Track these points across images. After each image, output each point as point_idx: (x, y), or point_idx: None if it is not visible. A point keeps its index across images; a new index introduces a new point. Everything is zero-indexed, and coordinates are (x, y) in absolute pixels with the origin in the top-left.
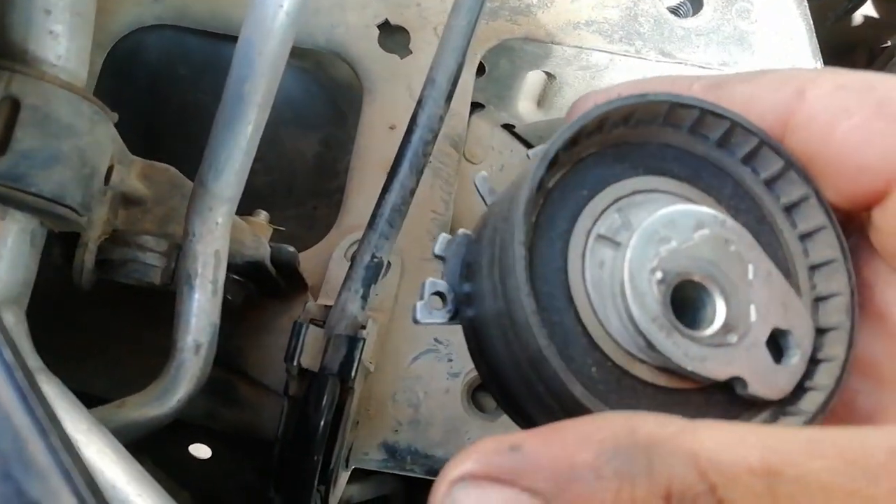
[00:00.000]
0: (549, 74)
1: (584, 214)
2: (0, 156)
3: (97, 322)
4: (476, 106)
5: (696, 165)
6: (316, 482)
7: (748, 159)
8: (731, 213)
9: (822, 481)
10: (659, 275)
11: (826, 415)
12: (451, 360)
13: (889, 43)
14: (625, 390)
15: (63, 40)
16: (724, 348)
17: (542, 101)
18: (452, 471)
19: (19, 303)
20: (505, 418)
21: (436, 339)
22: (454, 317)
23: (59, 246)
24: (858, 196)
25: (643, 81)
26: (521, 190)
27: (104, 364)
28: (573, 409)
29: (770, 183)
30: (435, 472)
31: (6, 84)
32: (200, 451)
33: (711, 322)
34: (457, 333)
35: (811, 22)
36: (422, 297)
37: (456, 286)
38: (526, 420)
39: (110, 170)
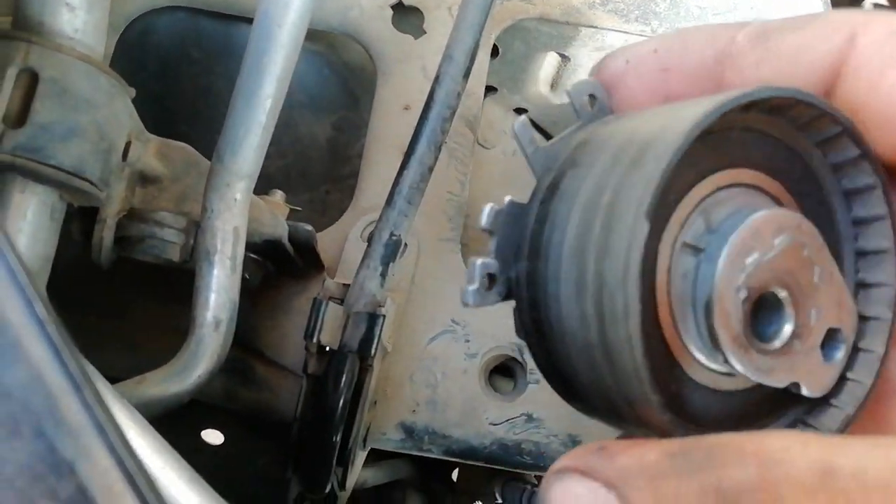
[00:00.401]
0: (563, 56)
1: (672, 221)
2: (19, 127)
3: (114, 302)
4: (489, 90)
5: (771, 150)
6: (334, 462)
7: (823, 144)
8: (796, 198)
9: (881, 479)
10: (744, 293)
11: (864, 409)
12: (468, 341)
13: None
14: (682, 390)
15: (80, 13)
16: (788, 356)
17: (555, 84)
18: (555, 465)
19: (39, 277)
20: (522, 399)
21: (453, 321)
22: (506, 297)
23: (77, 223)
24: None
25: (681, 35)
26: (629, 202)
27: (121, 344)
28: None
29: (838, 168)
30: (452, 452)
31: (24, 56)
32: (213, 437)
33: (780, 332)
34: (475, 314)
35: (829, 1)
36: (472, 280)
37: (510, 264)
38: (575, 395)
39: (128, 146)
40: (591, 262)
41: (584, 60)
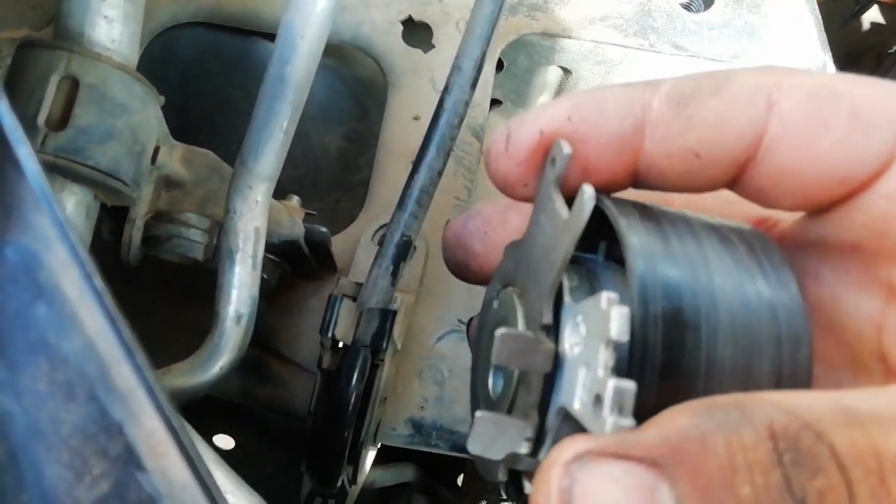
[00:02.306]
0: (565, 70)
1: None
2: (60, 130)
3: (138, 304)
4: (494, 102)
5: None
6: (346, 455)
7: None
8: None
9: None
10: None
11: None
12: None
13: (895, 48)
14: None
15: (117, 25)
16: None
17: (558, 97)
18: (562, 455)
19: None
20: None
21: (459, 321)
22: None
23: (108, 223)
24: (824, 201)
25: (595, 100)
26: None
27: (144, 343)
28: None
29: None
30: (458, 447)
31: (66, 64)
32: (224, 442)
33: None
34: None
35: (819, 14)
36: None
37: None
38: None
39: (157, 150)
40: None
41: (585, 73)
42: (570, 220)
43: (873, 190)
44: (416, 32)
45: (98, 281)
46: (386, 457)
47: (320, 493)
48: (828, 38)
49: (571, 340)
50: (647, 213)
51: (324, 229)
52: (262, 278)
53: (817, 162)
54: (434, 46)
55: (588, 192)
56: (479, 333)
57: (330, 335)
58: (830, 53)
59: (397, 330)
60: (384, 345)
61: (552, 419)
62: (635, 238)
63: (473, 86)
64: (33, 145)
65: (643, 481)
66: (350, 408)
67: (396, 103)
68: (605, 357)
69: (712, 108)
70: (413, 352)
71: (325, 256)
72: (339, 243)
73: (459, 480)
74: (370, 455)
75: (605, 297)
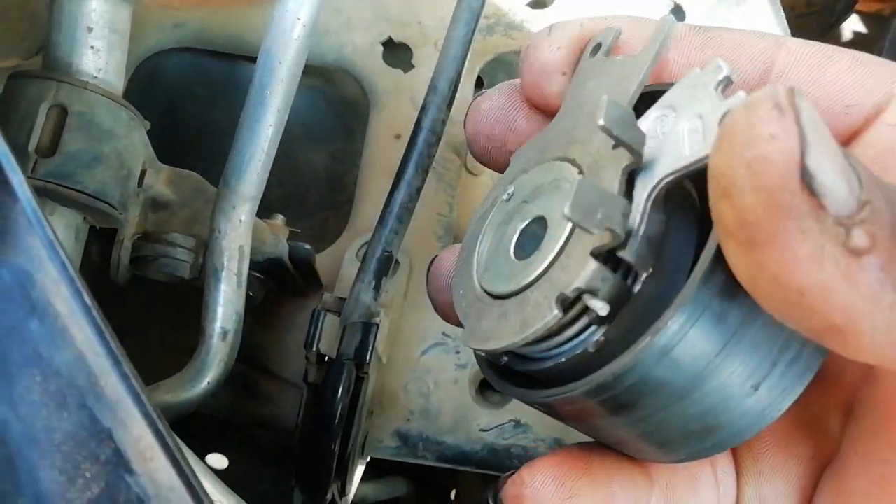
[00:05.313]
0: None
1: None
2: (50, 156)
3: (128, 322)
4: None
5: None
6: (334, 468)
7: None
8: None
9: None
10: None
11: None
12: (458, 353)
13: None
14: None
15: (103, 54)
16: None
17: None
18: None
19: None
20: (510, 406)
21: (444, 333)
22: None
23: (97, 244)
24: (838, 134)
25: (633, 17)
26: None
27: (135, 362)
28: None
29: None
30: (445, 458)
31: (55, 93)
32: (217, 461)
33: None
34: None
35: (787, 27)
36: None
37: None
38: None
39: (143, 173)
40: None
41: None
42: (650, 45)
43: (880, 120)
44: (397, 53)
45: (87, 297)
46: (378, 471)
47: None
48: None
49: (655, 131)
50: None
51: (307, 246)
52: (248, 295)
53: (824, 88)
54: (414, 66)
55: (671, 18)
56: (482, 214)
57: (314, 349)
58: None
59: (382, 344)
60: (368, 358)
61: (639, 210)
62: None
63: (450, 105)
64: (24, 171)
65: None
66: (336, 420)
67: (378, 122)
68: (718, 95)
69: (728, 36)
70: (398, 365)
71: (309, 273)
72: (324, 260)
73: (452, 495)
74: (359, 468)
75: (696, 69)
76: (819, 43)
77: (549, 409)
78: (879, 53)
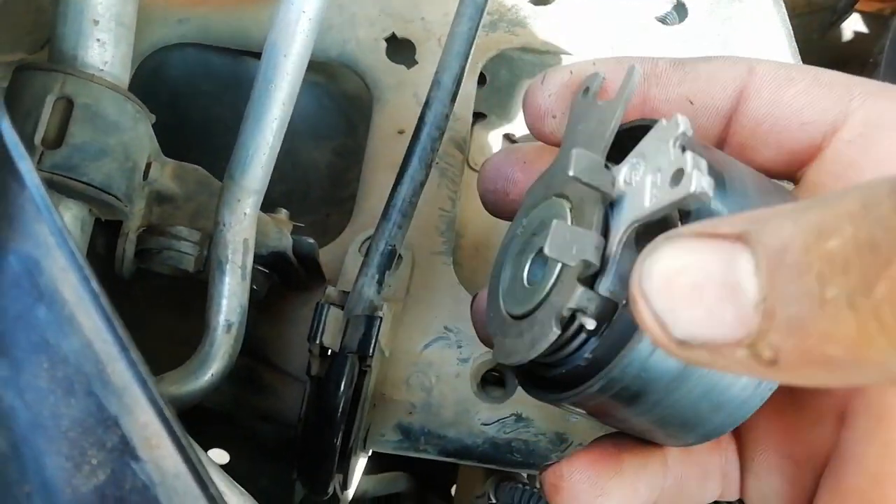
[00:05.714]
0: None
1: None
2: (56, 148)
3: (133, 315)
4: (478, 116)
5: None
6: (336, 461)
7: None
8: None
9: None
10: None
11: None
12: (460, 347)
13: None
14: None
15: (109, 47)
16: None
17: None
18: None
19: None
20: (512, 400)
21: (446, 328)
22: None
23: (102, 237)
24: (797, 151)
25: (617, 56)
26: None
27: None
28: None
29: None
30: (447, 451)
31: (61, 85)
32: (218, 456)
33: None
34: (466, 322)
35: (790, 25)
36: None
37: None
38: None
39: (148, 166)
40: None
41: None
42: (619, 93)
43: (837, 137)
44: (400, 49)
45: (95, 284)
46: (379, 466)
47: (312, 500)
48: (809, 48)
49: (628, 177)
50: None
51: (311, 240)
52: (252, 289)
53: (784, 108)
54: (417, 62)
55: (635, 68)
56: (505, 246)
57: (318, 342)
58: (801, 62)
59: (385, 338)
60: (371, 351)
61: (614, 246)
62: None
63: (453, 100)
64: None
65: (724, 251)
66: (339, 413)
67: (381, 118)
68: (674, 151)
69: (703, 68)
70: (401, 359)
71: (313, 267)
72: (327, 255)
73: (453, 490)
74: (361, 462)
75: (662, 120)
76: (789, 64)
77: (581, 408)
78: (880, 53)
